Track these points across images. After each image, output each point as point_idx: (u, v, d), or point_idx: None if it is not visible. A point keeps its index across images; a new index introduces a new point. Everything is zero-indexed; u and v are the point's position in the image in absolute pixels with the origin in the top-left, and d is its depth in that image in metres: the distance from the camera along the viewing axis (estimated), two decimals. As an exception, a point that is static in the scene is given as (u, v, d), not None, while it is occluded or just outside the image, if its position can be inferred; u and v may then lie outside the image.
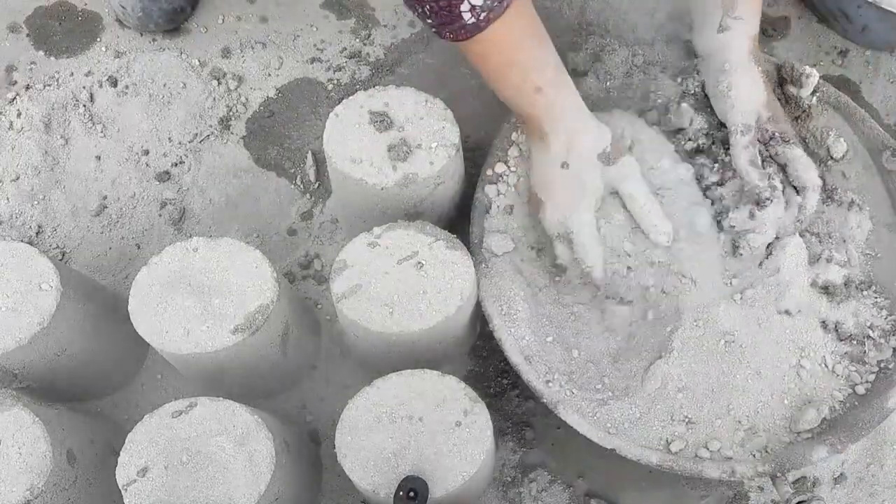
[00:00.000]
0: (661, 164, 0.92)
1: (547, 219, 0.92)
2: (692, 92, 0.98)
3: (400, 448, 0.80)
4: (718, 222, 0.91)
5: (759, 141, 0.93)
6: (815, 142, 1.00)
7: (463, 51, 0.87)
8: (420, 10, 0.81)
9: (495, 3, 0.80)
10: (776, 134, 0.93)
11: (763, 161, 0.92)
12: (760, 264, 0.91)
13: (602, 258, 0.90)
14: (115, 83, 1.15)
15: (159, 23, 1.16)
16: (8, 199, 1.09)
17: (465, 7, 0.80)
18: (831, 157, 0.99)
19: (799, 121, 1.00)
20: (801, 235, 0.93)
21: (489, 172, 0.96)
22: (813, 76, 0.97)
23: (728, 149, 0.94)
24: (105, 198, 1.11)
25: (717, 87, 0.95)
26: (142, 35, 1.18)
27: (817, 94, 0.99)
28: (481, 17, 0.81)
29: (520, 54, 0.87)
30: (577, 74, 1.01)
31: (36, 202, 1.10)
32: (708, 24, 0.95)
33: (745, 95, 0.93)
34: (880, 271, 0.95)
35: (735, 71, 0.94)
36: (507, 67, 0.87)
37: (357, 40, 1.18)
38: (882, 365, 0.91)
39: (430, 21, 0.82)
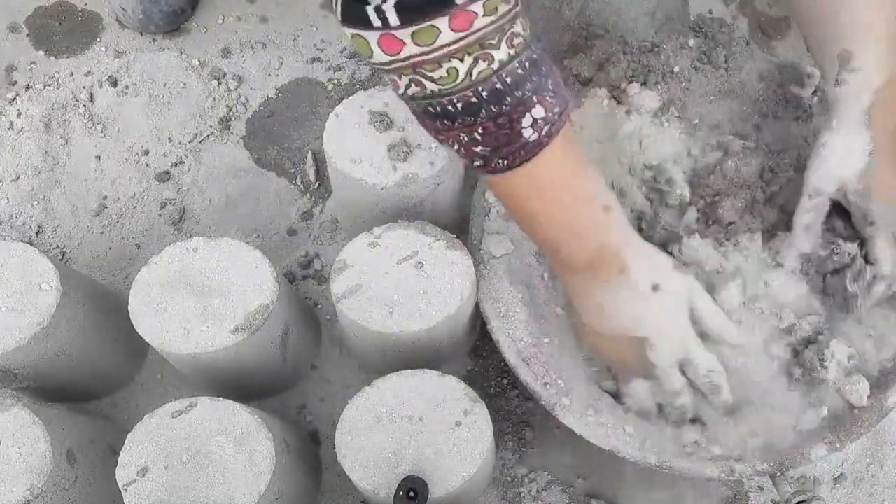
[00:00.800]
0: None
1: (658, 353, 0.81)
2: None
3: (400, 448, 0.80)
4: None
5: (834, 213, 0.85)
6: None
7: (501, 184, 0.75)
8: (468, 137, 0.70)
9: (558, 115, 0.70)
10: (856, 208, 0.84)
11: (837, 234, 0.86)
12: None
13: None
14: (115, 83, 1.15)
15: (160, 24, 1.16)
16: (8, 199, 1.10)
17: (526, 121, 0.69)
18: None
19: (800, 121, 1.00)
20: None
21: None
22: (815, 76, 0.94)
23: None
24: (105, 198, 1.11)
25: (816, 146, 0.85)
26: (142, 35, 1.18)
27: (818, 94, 0.99)
28: (543, 132, 0.70)
29: (585, 169, 0.76)
30: (581, 81, 0.97)
31: (36, 202, 1.10)
32: (830, 78, 0.84)
33: (836, 158, 0.83)
34: None
35: (839, 129, 0.83)
36: (568, 191, 0.76)
37: (357, 40, 1.18)
38: (882, 364, 0.91)
39: (478, 149, 0.71)
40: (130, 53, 1.17)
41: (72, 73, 1.16)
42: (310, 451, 0.97)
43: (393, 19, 0.65)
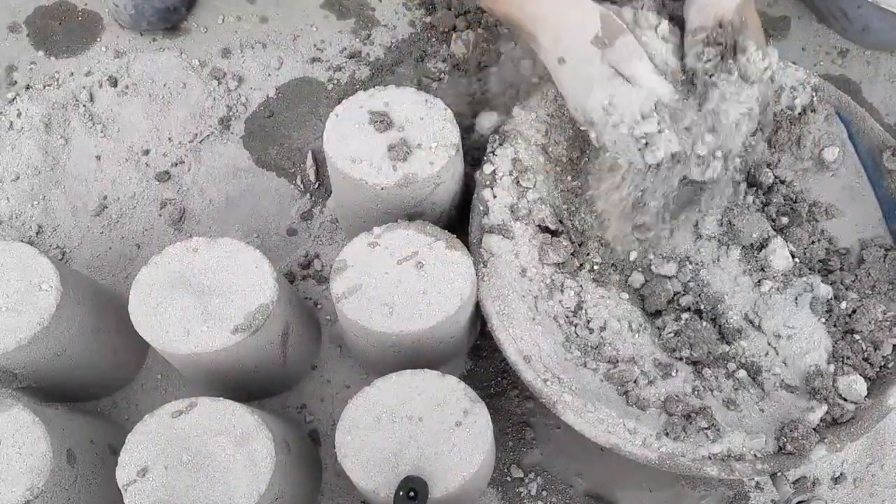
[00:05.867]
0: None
1: (571, 113, 0.91)
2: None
3: (400, 448, 0.80)
4: None
5: (716, 43, 0.87)
6: (812, 145, 1.00)
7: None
8: None
9: None
10: (734, 44, 0.87)
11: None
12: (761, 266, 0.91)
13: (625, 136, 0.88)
14: (115, 83, 1.15)
15: (152, 21, 1.15)
16: (8, 199, 1.09)
17: None
18: (822, 163, 0.99)
19: (793, 126, 1.00)
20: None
21: (484, 173, 0.96)
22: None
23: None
24: (105, 198, 1.11)
25: None
26: (141, 35, 1.18)
27: (819, 94, 0.99)
28: None
29: None
30: None
31: (36, 202, 1.10)
32: None
33: None
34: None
35: None
36: None
37: (357, 40, 1.18)
38: (882, 363, 0.91)
39: None
40: (130, 53, 1.17)
41: (72, 73, 1.16)
42: (310, 451, 0.97)
43: None
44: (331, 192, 1.10)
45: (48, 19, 1.20)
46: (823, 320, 0.92)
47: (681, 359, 0.94)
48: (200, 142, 1.13)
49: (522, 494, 0.97)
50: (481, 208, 0.94)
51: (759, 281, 0.94)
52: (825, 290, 0.93)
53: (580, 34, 0.85)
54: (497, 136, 0.97)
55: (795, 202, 1.00)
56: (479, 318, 0.94)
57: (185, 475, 0.78)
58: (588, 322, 0.94)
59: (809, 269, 0.95)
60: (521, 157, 0.96)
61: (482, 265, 0.91)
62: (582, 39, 0.85)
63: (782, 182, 1.00)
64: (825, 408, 0.87)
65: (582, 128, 0.91)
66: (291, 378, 1.01)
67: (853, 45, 1.19)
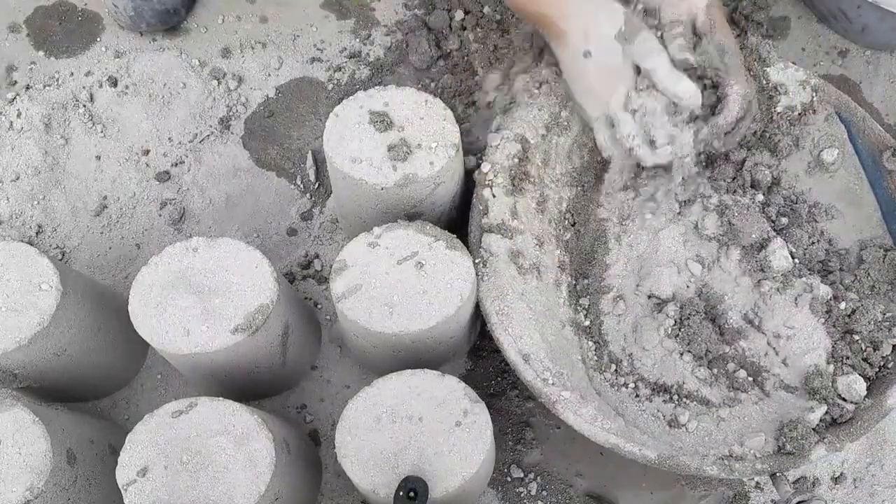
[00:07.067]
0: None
1: (586, 108, 0.93)
2: None
3: (400, 448, 0.80)
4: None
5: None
6: (812, 146, 1.00)
7: None
8: None
9: None
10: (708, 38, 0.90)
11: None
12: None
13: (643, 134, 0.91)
14: (115, 83, 1.15)
15: (151, 23, 1.15)
16: (8, 199, 1.10)
17: None
18: (821, 164, 0.99)
19: (793, 126, 1.00)
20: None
21: (482, 173, 0.96)
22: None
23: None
24: (105, 198, 1.11)
25: None
26: (141, 35, 1.18)
27: (819, 94, 0.99)
28: None
29: None
30: None
31: (36, 202, 1.10)
32: None
33: None
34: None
35: None
36: None
37: (357, 40, 1.18)
38: (881, 363, 0.91)
39: None
40: (130, 53, 1.17)
41: (72, 73, 1.16)
42: (310, 451, 0.97)
43: None
44: (331, 192, 1.10)
45: (48, 19, 1.20)
46: (823, 321, 0.92)
47: (681, 355, 0.94)
48: (200, 142, 1.13)
49: (522, 494, 0.97)
50: (481, 208, 0.94)
51: (758, 281, 0.94)
52: (825, 291, 0.93)
53: (608, 29, 0.89)
54: (497, 136, 0.97)
55: (795, 203, 1.00)
56: (479, 318, 0.94)
57: (185, 475, 0.78)
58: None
59: (809, 270, 0.95)
60: (522, 156, 0.96)
61: (482, 265, 0.91)
62: (609, 34, 0.89)
63: (779, 183, 1.00)
64: (825, 408, 0.87)
65: (591, 125, 0.94)
66: (291, 378, 1.01)
67: (853, 45, 1.19)
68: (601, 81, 0.91)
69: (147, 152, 1.13)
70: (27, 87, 1.15)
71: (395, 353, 0.89)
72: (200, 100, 1.15)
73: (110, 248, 1.09)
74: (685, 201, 0.97)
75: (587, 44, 0.90)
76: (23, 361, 0.86)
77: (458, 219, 1.00)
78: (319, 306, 1.06)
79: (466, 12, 1.15)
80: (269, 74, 1.17)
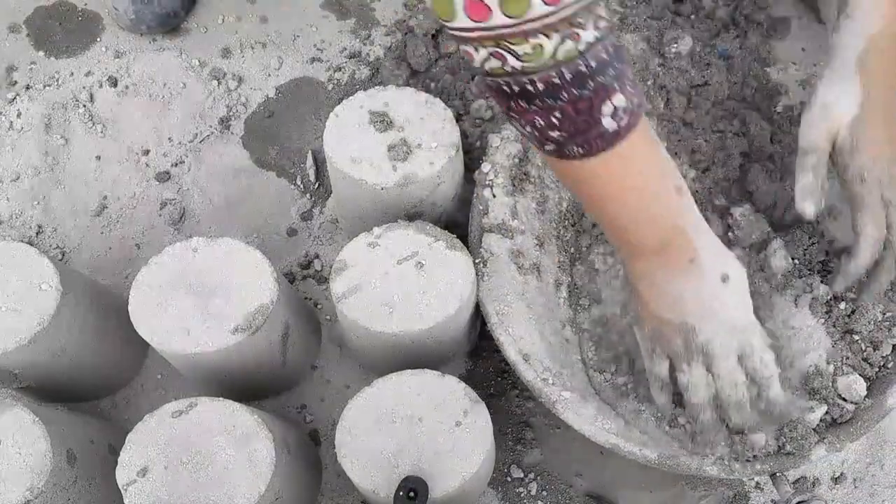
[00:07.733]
0: None
1: (718, 341, 0.80)
2: None
3: (400, 448, 0.80)
4: None
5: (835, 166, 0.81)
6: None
7: (571, 170, 0.72)
8: (544, 121, 0.66)
9: (637, 105, 0.68)
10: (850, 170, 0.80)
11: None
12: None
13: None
14: (115, 83, 1.15)
15: (151, 26, 1.15)
16: (8, 199, 1.10)
17: (606, 109, 0.66)
18: None
19: (793, 126, 1.00)
20: None
21: (482, 173, 0.96)
22: None
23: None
24: (105, 198, 1.11)
25: (810, 99, 0.82)
26: (141, 35, 1.18)
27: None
28: (622, 123, 0.67)
29: (659, 152, 0.73)
30: None
31: (36, 202, 1.10)
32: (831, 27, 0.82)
33: (825, 109, 0.79)
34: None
35: (830, 78, 0.79)
36: (643, 177, 0.73)
37: (357, 40, 1.18)
38: (881, 363, 0.91)
39: (553, 134, 0.67)
40: (130, 54, 1.17)
41: (72, 73, 1.16)
42: (310, 451, 0.97)
43: None
44: (331, 192, 1.10)
45: (48, 19, 1.20)
46: (823, 321, 0.92)
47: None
48: (200, 142, 1.13)
49: (522, 494, 0.97)
50: (481, 208, 0.94)
51: (758, 281, 0.94)
52: (825, 291, 0.93)
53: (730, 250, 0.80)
54: (497, 136, 0.97)
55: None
56: (479, 318, 0.94)
57: (185, 475, 0.78)
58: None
59: (809, 270, 0.95)
60: (522, 156, 0.96)
61: (482, 265, 0.91)
62: (734, 255, 0.80)
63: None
64: (825, 408, 0.87)
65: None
66: (291, 378, 1.01)
67: (853, 45, 1.19)
68: (740, 308, 0.80)
69: (147, 152, 1.13)
70: (27, 87, 1.15)
71: (395, 353, 0.89)
72: (200, 100, 1.15)
73: (110, 249, 1.09)
74: None
75: (726, 266, 0.78)
76: (23, 361, 0.86)
77: (458, 219, 1.00)
78: (319, 306, 1.06)
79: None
80: (269, 74, 1.17)
